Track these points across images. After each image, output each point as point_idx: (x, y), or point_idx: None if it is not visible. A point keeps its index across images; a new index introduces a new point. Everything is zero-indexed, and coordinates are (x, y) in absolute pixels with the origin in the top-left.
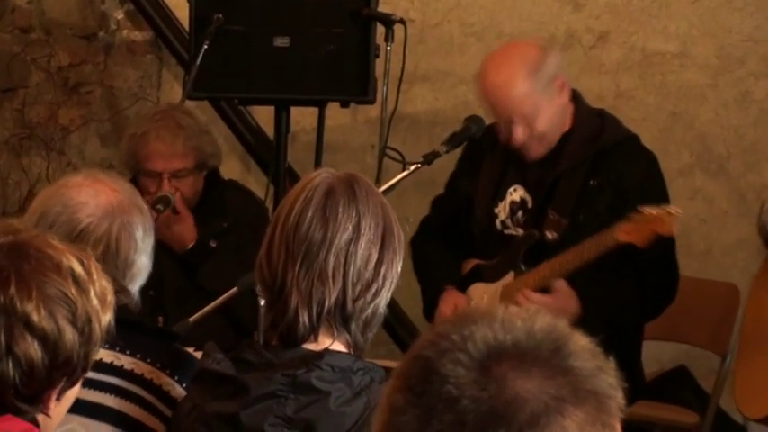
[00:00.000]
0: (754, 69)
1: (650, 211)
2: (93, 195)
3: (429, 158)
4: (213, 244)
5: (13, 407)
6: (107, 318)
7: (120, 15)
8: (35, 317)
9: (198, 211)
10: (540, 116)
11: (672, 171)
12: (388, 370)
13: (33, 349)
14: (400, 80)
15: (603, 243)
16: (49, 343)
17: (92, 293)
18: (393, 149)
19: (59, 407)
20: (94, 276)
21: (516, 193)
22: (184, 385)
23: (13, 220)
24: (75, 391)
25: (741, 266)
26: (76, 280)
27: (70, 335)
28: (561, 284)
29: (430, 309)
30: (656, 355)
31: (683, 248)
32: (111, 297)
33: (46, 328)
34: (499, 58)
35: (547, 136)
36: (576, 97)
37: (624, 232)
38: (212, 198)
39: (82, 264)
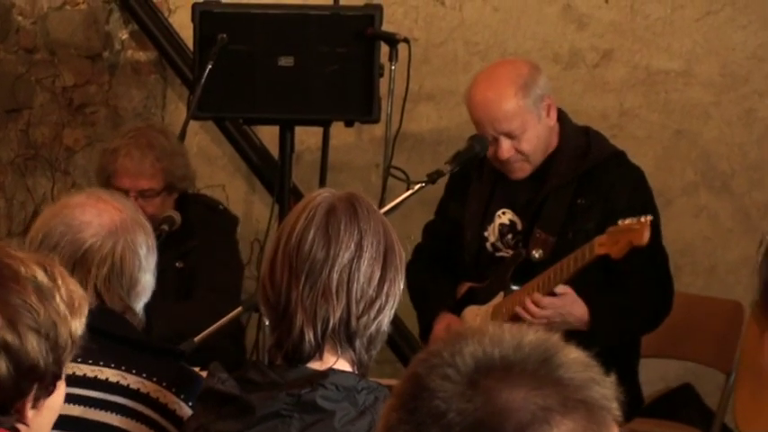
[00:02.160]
0: (758, 87)
1: (623, 222)
2: (96, 215)
3: (433, 177)
4: (180, 265)
5: None
6: (77, 323)
7: (124, 35)
8: None
9: (170, 233)
10: (527, 134)
11: (676, 189)
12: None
13: None
14: (404, 99)
15: (581, 257)
16: (12, 352)
17: (57, 299)
18: (397, 168)
19: (40, 417)
20: (59, 282)
21: (505, 216)
22: (191, 404)
23: None
24: (58, 403)
25: (745, 284)
26: (38, 287)
27: (34, 342)
28: (566, 289)
29: (426, 333)
30: (662, 372)
31: (688, 266)
32: (81, 301)
33: (6, 338)
34: (490, 74)
35: (532, 156)
36: (561, 116)
37: (599, 244)
38: (182, 219)
39: (45, 270)
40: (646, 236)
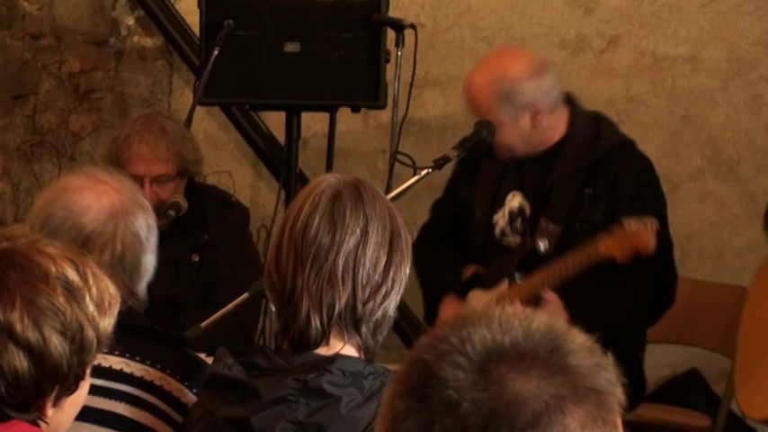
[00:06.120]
0: (764, 73)
1: (630, 225)
2: (95, 198)
3: (440, 163)
4: (196, 258)
5: (3, 415)
6: (106, 322)
7: (130, 21)
8: (18, 327)
9: (179, 222)
10: (499, 131)
11: (682, 174)
12: None
13: (18, 360)
14: (411, 85)
15: (587, 257)
16: (35, 353)
17: (87, 299)
18: (404, 154)
19: (61, 413)
20: (90, 282)
21: (515, 200)
22: (195, 391)
23: (16, 225)
24: (81, 398)
25: (752, 269)
26: (68, 288)
27: (57, 344)
28: (552, 297)
29: (431, 315)
30: (668, 358)
31: (694, 252)
32: (111, 300)
33: (30, 339)
34: (486, 62)
35: (509, 147)
36: (571, 102)
37: (605, 246)
38: (192, 209)
39: (77, 269)
40: (652, 243)
